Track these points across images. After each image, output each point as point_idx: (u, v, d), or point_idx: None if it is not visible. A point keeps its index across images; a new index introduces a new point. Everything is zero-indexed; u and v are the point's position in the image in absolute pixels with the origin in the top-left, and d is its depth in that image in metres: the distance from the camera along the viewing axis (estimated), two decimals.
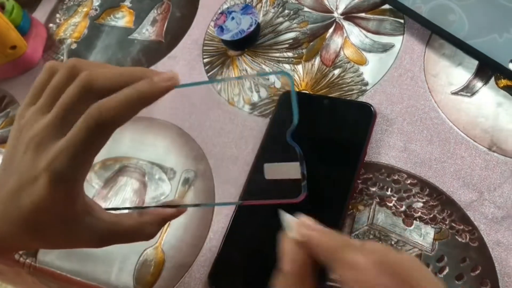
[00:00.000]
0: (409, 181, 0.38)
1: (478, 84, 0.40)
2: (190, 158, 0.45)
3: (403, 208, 0.37)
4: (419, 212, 0.36)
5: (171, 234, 0.41)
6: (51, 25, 0.61)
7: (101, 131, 0.27)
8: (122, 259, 0.41)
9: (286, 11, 0.50)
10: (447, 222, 0.35)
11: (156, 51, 0.53)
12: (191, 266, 0.39)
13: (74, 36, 0.58)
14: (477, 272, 0.33)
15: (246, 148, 0.43)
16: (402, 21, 0.45)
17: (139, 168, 0.46)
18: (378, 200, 0.37)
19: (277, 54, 0.48)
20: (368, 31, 0.46)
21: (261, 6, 0.51)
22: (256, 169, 0.41)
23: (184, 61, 0.51)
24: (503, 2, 0.41)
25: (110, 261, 0.41)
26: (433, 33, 0.43)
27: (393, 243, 0.36)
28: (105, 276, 0.41)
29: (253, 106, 0.45)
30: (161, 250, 0.41)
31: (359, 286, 0.23)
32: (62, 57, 0.57)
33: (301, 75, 0.46)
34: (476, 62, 0.41)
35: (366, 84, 0.43)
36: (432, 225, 0.35)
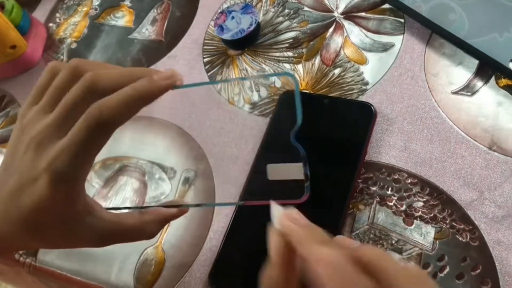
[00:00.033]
0: (409, 181, 0.38)
1: (479, 83, 0.40)
2: (190, 157, 0.45)
3: (404, 207, 0.37)
4: (420, 212, 0.36)
5: (172, 233, 0.41)
6: (51, 24, 0.61)
7: (101, 131, 0.27)
8: (123, 258, 0.41)
9: (286, 11, 0.50)
10: (447, 222, 0.35)
11: (156, 50, 0.53)
12: (191, 266, 0.39)
13: (74, 36, 0.58)
14: (478, 271, 0.33)
15: (246, 147, 0.43)
16: (402, 20, 0.45)
17: (139, 168, 0.46)
18: (378, 199, 0.37)
19: (277, 54, 0.48)
20: (368, 30, 0.46)
21: (261, 6, 0.51)
22: (257, 169, 0.41)
23: (184, 60, 0.51)
24: (503, 1, 0.41)
25: (111, 260, 0.41)
26: (433, 33, 0.43)
27: (393, 242, 0.36)
28: (105, 276, 0.41)
29: (253, 105, 0.45)
30: (161, 250, 0.41)
31: (332, 283, 0.23)
32: (62, 57, 0.57)
33: (301, 75, 0.46)
34: (476, 62, 0.41)
35: (367, 83, 0.43)
36: (433, 225, 0.35)
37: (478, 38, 0.40)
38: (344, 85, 0.44)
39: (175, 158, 0.45)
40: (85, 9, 0.60)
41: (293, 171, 0.29)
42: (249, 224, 0.39)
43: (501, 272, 0.33)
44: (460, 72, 0.41)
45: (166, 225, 0.41)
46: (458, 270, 0.34)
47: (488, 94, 0.39)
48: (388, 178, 0.38)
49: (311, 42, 0.47)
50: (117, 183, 0.45)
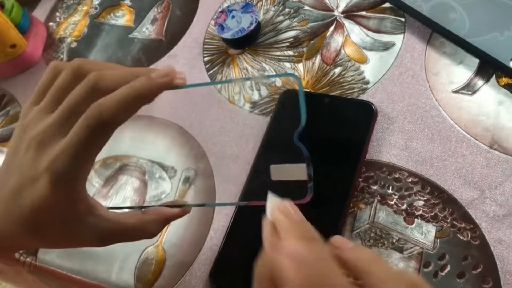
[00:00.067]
0: (410, 179, 0.38)
1: (479, 82, 0.40)
2: (191, 156, 0.44)
3: (404, 206, 0.37)
4: (421, 210, 0.36)
5: (172, 232, 0.41)
6: (51, 23, 0.61)
7: (101, 130, 0.27)
8: (123, 257, 0.41)
9: (287, 10, 0.50)
10: (448, 220, 0.35)
11: (157, 49, 0.53)
12: (192, 265, 0.39)
13: (74, 35, 0.58)
14: (479, 270, 0.33)
15: (246, 146, 0.43)
16: (402, 19, 0.45)
17: (139, 167, 0.46)
18: (379, 198, 0.37)
19: (278, 53, 0.48)
20: (369, 29, 0.46)
21: (262, 5, 0.51)
22: (257, 168, 0.41)
23: (185, 59, 0.51)
24: (504, 0, 0.41)
25: (111, 259, 0.41)
26: (434, 32, 0.43)
27: (394, 241, 0.35)
28: (106, 275, 0.41)
29: (254, 104, 0.45)
30: (162, 249, 0.41)
31: (295, 275, 0.23)
32: (62, 56, 0.57)
33: (302, 74, 0.45)
34: (477, 60, 0.41)
35: (367, 82, 0.43)
36: (434, 223, 0.35)
37: (478, 37, 0.40)
38: (345, 84, 0.44)
39: (176, 157, 0.45)
40: (85, 8, 0.60)
41: (297, 171, 0.29)
42: (249, 223, 0.38)
43: (502, 271, 0.33)
44: (460, 71, 0.41)
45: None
46: (459, 269, 0.34)
47: (488, 93, 0.39)
48: (389, 177, 0.38)
49: (312, 41, 0.47)
50: (118, 182, 0.45)
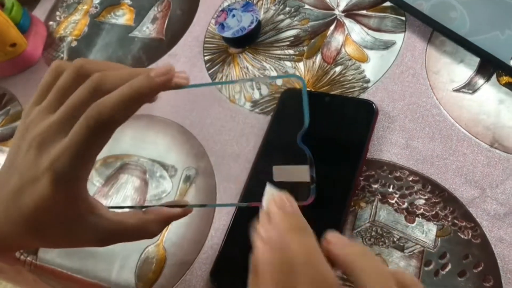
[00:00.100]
0: (411, 178, 0.38)
1: (480, 81, 0.40)
2: (191, 155, 0.44)
3: (405, 205, 0.37)
4: (421, 209, 0.36)
5: (173, 231, 0.41)
6: (51, 23, 0.61)
7: (102, 130, 0.27)
8: (124, 256, 0.41)
9: (287, 9, 0.50)
10: (449, 219, 0.35)
11: (157, 48, 0.53)
12: (192, 264, 0.39)
13: (74, 34, 0.58)
14: (480, 268, 0.33)
15: (247, 145, 0.43)
16: (403, 18, 0.45)
17: (140, 166, 0.45)
18: (380, 197, 0.37)
19: (278, 52, 0.48)
20: (370, 28, 0.46)
21: (262, 4, 0.51)
22: (258, 167, 0.41)
23: (185, 58, 0.51)
24: None
25: (112, 258, 0.41)
26: (435, 30, 0.43)
27: (395, 240, 0.35)
28: (106, 274, 0.41)
29: (254, 103, 0.45)
30: (162, 248, 0.41)
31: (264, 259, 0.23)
32: (62, 55, 0.57)
33: (302, 73, 0.45)
34: (477, 59, 0.41)
35: (368, 81, 0.43)
36: (435, 222, 0.35)
37: (479, 35, 0.40)
38: (345, 83, 0.44)
39: (176, 156, 0.45)
40: (85, 7, 0.60)
41: (299, 173, 0.29)
42: (250, 222, 0.38)
43: (503, 270, 0.33)
44: (461, 70, 0.41)
45: None
46: (460, 268, 0.34)
47: (489, 92, 0.39)
48: (389, 175, 0.38)
49: (312, 40, 0.47)
50: (118, 181, 0.45)
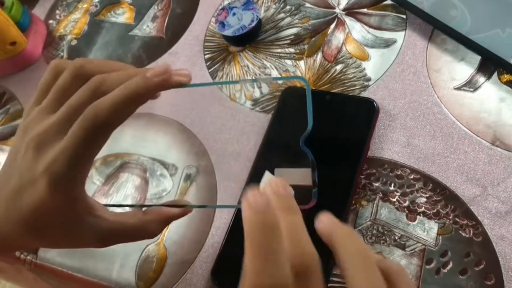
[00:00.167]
0: (412, 176, 0.37)
1: (481, 79, 0.40)
2: (192, 154, 0.44)
3: (407, 203, 0.37)
4: (423, 207, 0.36)
5: (173, 230, 0.41)
6: (51, 21, 0.60)
7: (98, 132, 0.27)
8: (124, 255, 0.41)
9: (288, 7, 0.50)
10: (450, 217, 0.35)
11: (157, 47, 0.53)
12: (193, 263, 0.39)
13: (74, 33, 0.58)
14: (481, 266, 0.33)
15: (248, 144, 0.43)
16: (404, 16, 0.45)
17: (140, 164, 0.45)
18: (381, 195, 0.37)
19: (279, 50, 0.47)
20: (370, 26, 0.46)
21: (263, 2, 0.51)
22: (259, 166, 0.41)
23: (185, 57, 0.51)
24: None
25: (112, 257, 0.41)
26: (435, 28, 0.43)
27: (396, 238, 0.35)
28: (107, 273, 0.41)
29: (255, 102, 0.45)
30: (163, 246, 0.40)
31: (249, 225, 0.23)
32: (62, 54, 0.57)
33: (303, 71, 0.45)
34: (478, 57, 0.41)
35: (369, 79, 0.43)
36: (436, 220, 0.35)
37: (480, 33, 0.40)
38: (346, 81, 0.43)
39: (177, 155, 0.45)
40: (85, 6, 0.60)
41: (301, 176, 0.29)
42: None
43: (504, 268, 0.33)
44: (462, 68, 0.41)
45: None
46: (461, 266, 0.34)
47: (490, 90, 0.39)
48: (390, 174, 0.38)
49: (313, 39, 0.47)
50: (118, 180, 0.45)
